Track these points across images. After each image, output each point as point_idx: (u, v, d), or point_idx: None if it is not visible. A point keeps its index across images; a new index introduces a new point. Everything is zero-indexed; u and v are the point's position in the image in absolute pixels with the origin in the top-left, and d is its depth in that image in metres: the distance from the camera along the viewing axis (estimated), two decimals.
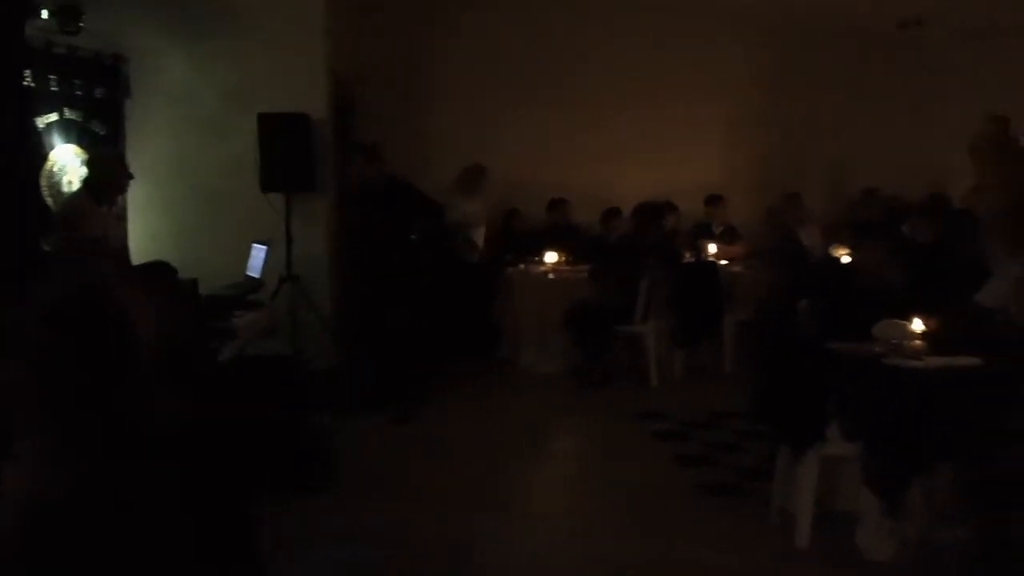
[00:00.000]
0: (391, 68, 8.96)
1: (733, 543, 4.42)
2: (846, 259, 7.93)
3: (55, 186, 6.26)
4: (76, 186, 6.15)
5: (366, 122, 8.55)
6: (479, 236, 8.24)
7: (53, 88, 6.33)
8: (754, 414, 4.97)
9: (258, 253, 6.18)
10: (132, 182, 6.92)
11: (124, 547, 2.44)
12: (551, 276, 8.11)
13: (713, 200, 9.21)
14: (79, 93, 6.59)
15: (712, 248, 8.64)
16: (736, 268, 8.39)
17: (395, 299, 6.73)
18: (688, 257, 8.54)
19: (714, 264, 8.37)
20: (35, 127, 6.14)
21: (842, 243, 8.44)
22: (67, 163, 6.37)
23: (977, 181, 6.12)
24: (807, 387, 4.24)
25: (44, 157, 6.21)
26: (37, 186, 6.10)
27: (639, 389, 7.43)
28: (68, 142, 6.42)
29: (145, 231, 7.05)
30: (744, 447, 5.85)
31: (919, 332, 4.19)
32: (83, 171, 6.04)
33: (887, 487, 3.96)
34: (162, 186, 7.10)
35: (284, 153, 6.83)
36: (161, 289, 2.70)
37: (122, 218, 5.80)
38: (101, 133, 6.81)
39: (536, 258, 8.33)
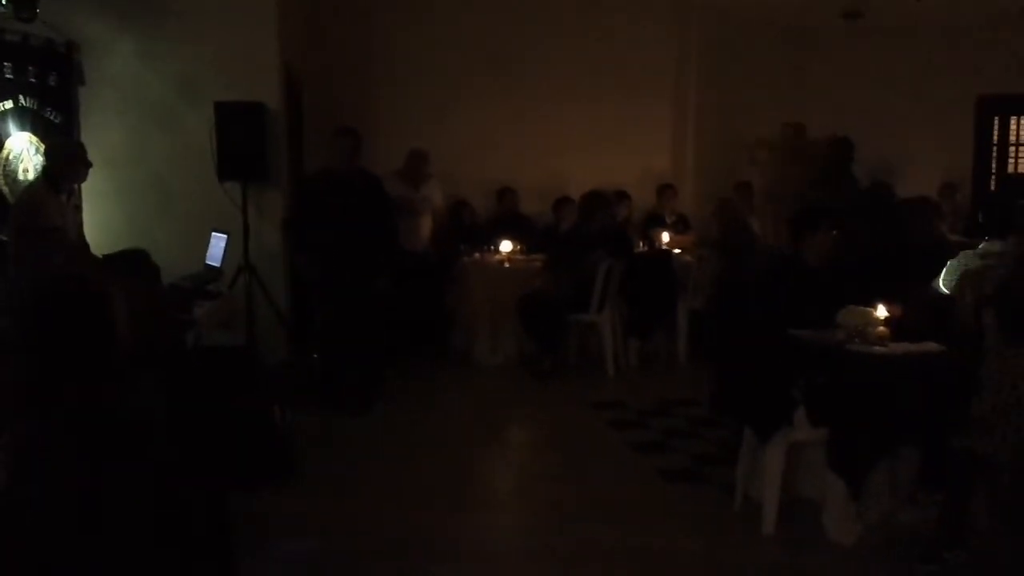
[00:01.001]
0: (338, 57, 8.92)
1: (698, 529, 4.48)
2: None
3: (11, 174, 6.15)
4: (32, 175, 6.03)
5: (313, 112, 8.52)
6: (424, 226, 8.16)
7: (8, 76, 6.23)
8: (715, 403, 5.05)
9: (217, 242, 6.11)
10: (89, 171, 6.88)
11: (100, 540, 2.44)
12: (506, 265, 8.13)
13: (664, 190, 9.31)
14: (33, 80, 6.48)
15: (665, 237, 8.72)
16: (688, 257, 8.49)
17: (350, 292, 6.69)
18: (641, 247, 8.62)
19: (668, 253, 8.46)
20: None
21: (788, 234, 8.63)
22: (23, 151, 6.25)
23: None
24: (771, 374, 4.33)
25: (0, 145, 6.09)
26: None
27: (594, 379, 7.49)
28: (23, 130, 6.31)
29: (100, 220, 6.95)
30: (699, 434, 5.94)
31: (882, 319, 4.31)
32: (39, 159, 5.92)
33: (852, 471, 4.07)
34: (116, 175, 6.98)
35: (241, 142, 6.75)
36: (134, 278, 2.67)
37: (79, 207, 5.69)
38: (56, 121, 6.70)
39: (490, 248, 8.35)
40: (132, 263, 3.06)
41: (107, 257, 3.78)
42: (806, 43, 9.90)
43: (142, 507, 2.48)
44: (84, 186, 6.88)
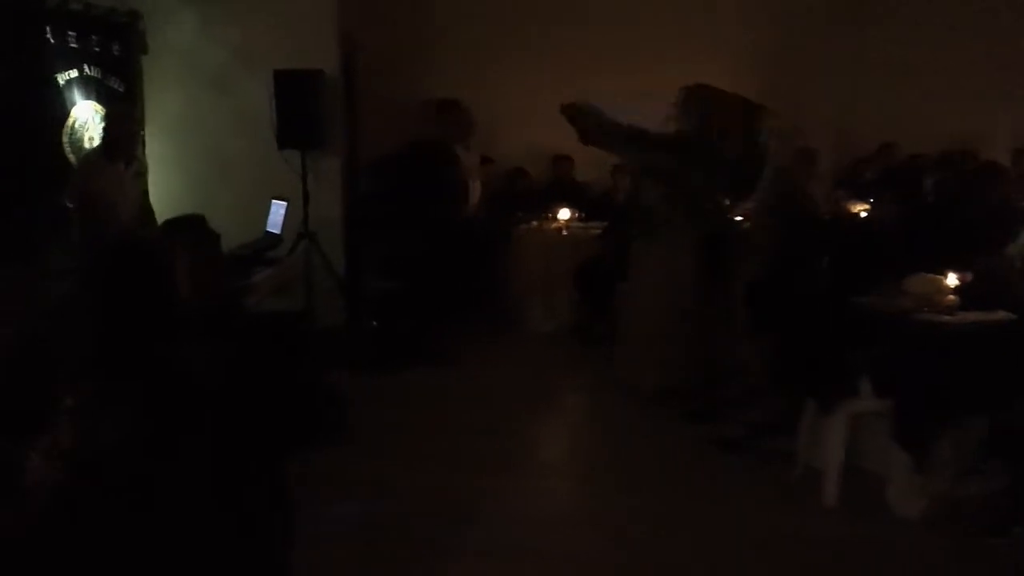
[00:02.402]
0: (396, 24, 8.87)
1: (755, 499, 4.44)
2: (862, 215, 7.96)
3: (76, 143, 6.23)
4: (96, 142, 6.12)
5: (369, 79, 8.51)
6: (475, 191, 8.04)
7: (72, 45, 6.30)
8: (773, 373, 4.97)
9: (277, 209, 6.16)
10: (150, 138, 6.98)
11: (164, 498, 2.47)
12: (564, 233, 8.09)
13: None
14: (97, 49, 6.56)
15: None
16: (745, 226, 8.34)
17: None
18: None
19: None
20: (56, 83, 6.12)
21: (855, 199, 8.46)
22: (88, 119, 6.34)
23: None
24: (836, 343, 4.26)
25: (65, 114, 6.19)
26: (59, 143, 6.09)
27: None
28: (88, 99, 6.39)
29: (162, 187, 7.08)
30: (754, 403, 5.81)
31: (951, 286, 4.20)
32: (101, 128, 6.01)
33: (917, 442, 3.99)
34: (178, 143, 7.10)
35: (299, 110, 6.78)
36: (194, 242, 2.69)
37: (141, 174, 5.77)
38: (119, 90, 6.78)
39: (546, 215, 8.29)
40: (190, 227, 3.08)
41: (166, 222, 3.82)
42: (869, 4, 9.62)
43: (201, 469, 2.50)
44: (148, 153, 7.03)
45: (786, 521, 4.22)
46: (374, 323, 7.12)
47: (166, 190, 7.02)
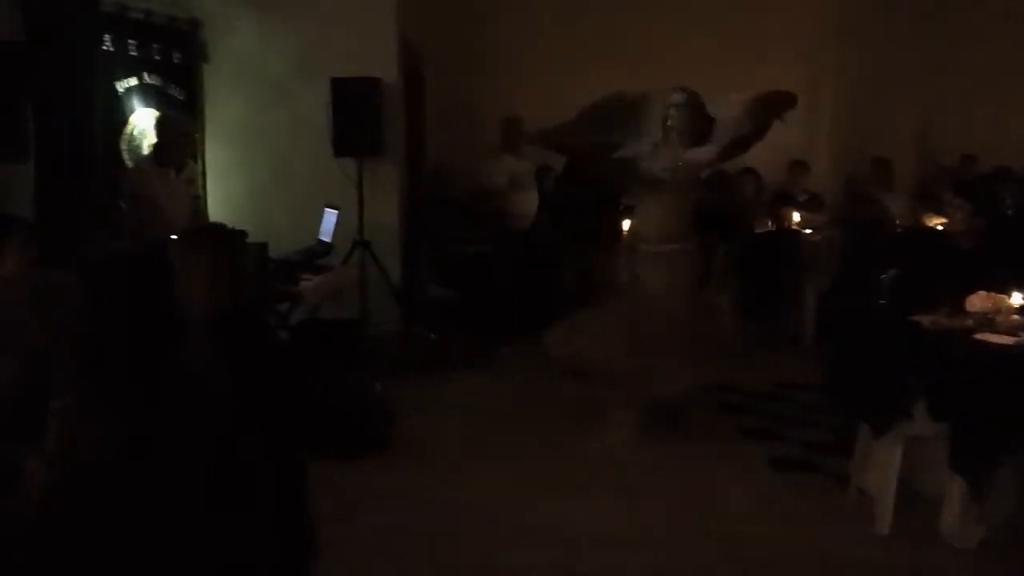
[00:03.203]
0: (460, 32, 8.85)
1: (806, 523, 4.24)
2: (939, 228, 7.64)
3: (135, 150, 6.31)
4: None
5: (435, 87, 8.51)
6: (530, 200, 7.92)
7: (132, 53, 6.38)
8: (830, 390, 4.76)
9: (329, 217, 6.15)
10: (210, 146, 7.05)
11: (155, 503, 2.42)
12: None
13: (795, 165, 8.91)
14: (158, 58, 6.64)
15: (795, 216, 8.34)
16: (818, 237, 8.10)
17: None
18: (769, 225, 8.29)
19: (796, 233, 8.10)
20: (115, 91, 6.20)
21: (933, 212, 8.14)
22: (146, 127, 6.40)
23: None
24: (892, 362, 4.04)
25: (124, 121, 6.27)
26: (118, 150, 6.18)
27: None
28: (147, 106, 6.45)
29: (223, 195, 7.15)
30: (814, 420, 5.65)
31: (1016, 306, 3.96)
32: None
33: (975, 470, 3.75)
34: (238, 150, 7.15)
35: (356, 118, 6.77)
36: (214, 251, 2.64)
37: (192, 181, 5.82)
38: (180, 98, 6.85)
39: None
40: (209, 236, 3.03)
41: (184, 231, 3.81)
42: (952, 5, 9.22)
43: (195, 474, 2.44)
44: (209, 161, 7.11)
45: (836, 547, 4.03)
46: (431, 334, 7.08)
47: (226, 197, 7.08)
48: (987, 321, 3.94)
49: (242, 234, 5.39)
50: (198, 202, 6.19)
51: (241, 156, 7.13)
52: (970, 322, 3.98)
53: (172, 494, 2.41)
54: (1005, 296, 4.01)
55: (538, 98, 8.50)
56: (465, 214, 7.65)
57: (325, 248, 6.10)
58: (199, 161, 6.99)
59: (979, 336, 3.90)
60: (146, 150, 6.34)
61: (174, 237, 2.96)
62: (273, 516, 2.73)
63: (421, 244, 7.70)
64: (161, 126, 5.69)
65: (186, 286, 2.54)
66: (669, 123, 5.51)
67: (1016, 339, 3.85)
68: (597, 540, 4.14)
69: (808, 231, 8.13)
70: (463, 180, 8.08)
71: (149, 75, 6.51)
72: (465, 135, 8.61)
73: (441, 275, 7.68)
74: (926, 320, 4.05)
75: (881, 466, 4.14)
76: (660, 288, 5.33)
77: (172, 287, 2.65)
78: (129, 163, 6.21)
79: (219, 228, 3.28)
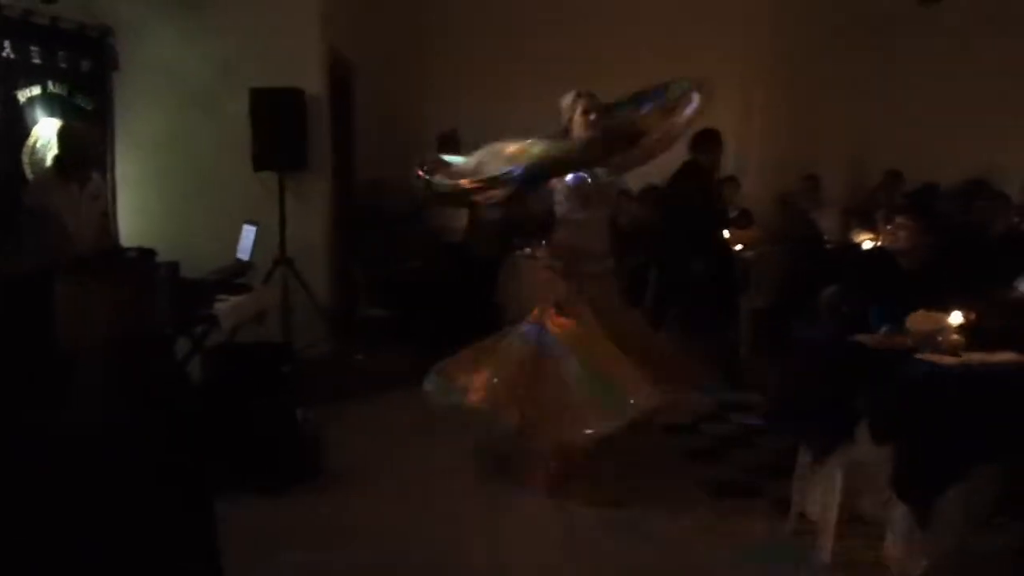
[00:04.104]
0: (392, 46, 8.65)
1: (746, 553, 4.08)
2: (867, 245, 7.62)
3: (38, 163, 5.96)
4: None
5: (365, 100, 8.27)
6: (460, 213, 7.71)
7: (35, 61, 6.05)
8: (772, 413, 4.62)
9: (248, 234, 5.85)
10: (121, 159, 6.71)
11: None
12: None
13: (726, 182, 8.84)
14: (63, 66, 6.31)
15: (725, 233, 8.26)
16: (750, 254, 8.03)
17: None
18: None
19: (728, 249, 8.01)
20: (16, 100, 5.86)
21: (864, 228, 8.14)
22: (50, 138, 6.04)
23: None
24: (832, 384, 3.91)
25: (26, 132, 5.93)
26: (18, 161, 5.83)
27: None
28: (52, 116, 6.12)
29: (137, 209, 6.81)
30: (755, 443, 5.53)
31: (957, 325, 3.85)
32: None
33: (920, 496, 3.62)
34: (152, 163, 6.84)
35: (277, 130, 6.52)
36: (118, 279, 2.38)
37: (97, 196, 5.50)
38: (88, 108, 6.52)
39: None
40: (114, 264, 2.75)
41: (75, 258, 3.52)
42: (883, 29, 9.27)
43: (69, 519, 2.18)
44: (120, 174, 6.78)
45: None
46: (361, 356, 6.83)
47: (138, 213, 6.75)
48: (929, 341, 3.82)
49: (151, 253, 5.12)
50: (105, 219, 5.85)
51: (156, 169, 6.81)
52: (911, 342, 3.86)
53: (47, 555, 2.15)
54: (945, 315, 3.89)
55: (474, 111, 8.34)
56: (394, 231, 7.42)
57: (243, 267, 5.80)
58: (108, 175, 6.65)
59: (921, 356, 3.78)
60: (49, 163, 6.01)
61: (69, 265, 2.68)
62: (175, 567, 2.47)
63: (353, 262, 7.45)
64: (63, 138, 5.37)
65: (73, 318, 2.27)
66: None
67: (958, 359, 3.74)
68: (540, 564, 3.99)
69: (739, 247, 8.07)
70: (395, 195, 7.85)
71: (54, 84, 6.18)
72: (398, 149, 8.38)
73: (374, 294, 7.43)
74: (867, 340, 3.92)
75: (823, 491, 4.00)
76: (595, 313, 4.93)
77: (53, 319, 2.38)
78: (31, 176, 5.88)
79: (117, 252, 2.98)
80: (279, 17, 6.76)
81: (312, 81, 6.82)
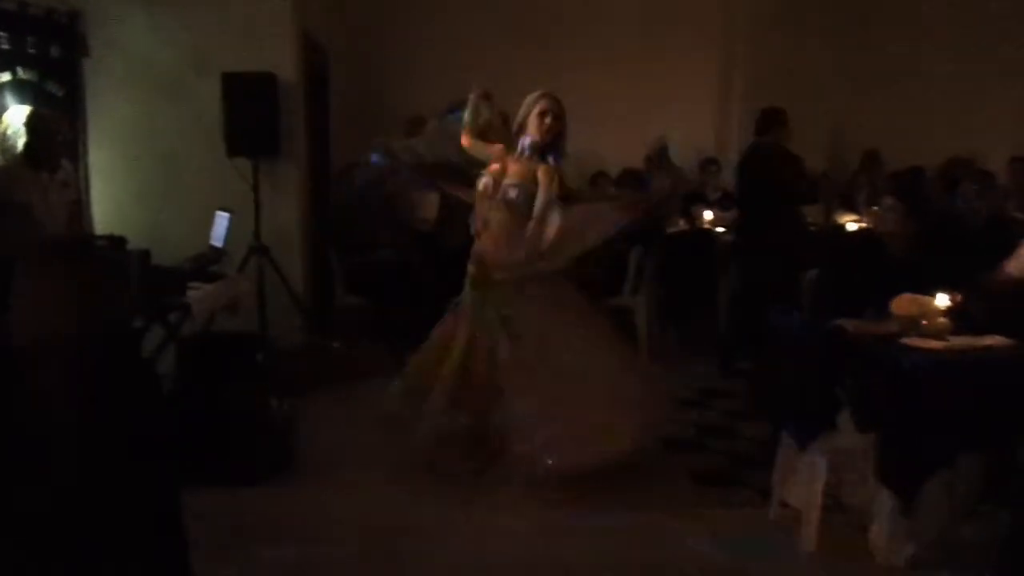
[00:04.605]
0: (365, 27, 8.53)
1: (728, 543, 4.01)
2: (852, 227, 7.58)
3: (9, 150, 5.76)
4: None
5: (341, 85, 8.16)
6: (430, 201, 7.65)
7: (4, 47, 5.89)
8: (753, 400, 4.56)
9: (221, 221, 5.75)
10: (93, 145, 6.57)
11: None
12: None
13: (707, 164, 8.80)
14: (33, 52, 6.13)
15: (707, 215, 8.21)
16: (731, 236, 7.97)
17: None
18: (681, 225, 8.15)
19: (708, 232, 7.97)
20: None
21: (846, 210, 8.09)
22: (21, 126, 5.92)
23: None
24: (815, 370, 3.85)
25: None
26: None
27: None
28: (23, 103, 5.94)
29: (109, 197, 6.66)
30: (737, 430, 5.48)
31: (942, 309, 3.80)
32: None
33: (904, 483, 3.57)
34: (124, 150, 6.69)
35: (250, 115, 6.39)
36: (77, 268, 2.27)
37: (67, 184, 5.38)
38: (58, 94, 6.36)
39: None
40: (70, 255, 2.63)
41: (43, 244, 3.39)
42: (860, 10, 9.18)
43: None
44: (92, 161, 6.64)
45: (759, 567, 3.85)
46: (336, 345, 6.73)
47: (110, 201, 6.60)
48: (914, 325, 3.77)
49: (121, 241, 5.02)
50: (76, 207, 5.72)
51: (127, 156, 6.66)
52: (896, 327, 3.80)
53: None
54: (931, 298, 3.84)
55: (444, 97, 8.22)
56: (367, 218, 7.30)
57: (217, 254, 5.69)
58: (81, 162, 6.51)
59: (905, 341, 3.72)
60: (20, 149, 5.87)
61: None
62: (140, 568, 2.38)
63: (329, 250, 7.34)
64: (31, 126, 5.24)
65: (30, 310, 2.17)
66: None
67: (944, 343, 3.69)
68: (498, 567, 3.88)
69: (721, 229, 8.01)
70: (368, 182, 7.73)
71: (24, 70, 6.02)
72: (370, 134, 8.25)
73: (350, 282, 7.33)
74: (850, 325, 3.86)
75: (806, 480, 3.95)
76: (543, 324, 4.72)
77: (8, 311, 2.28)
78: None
79: (82, 240, 2.86)
80: (251, 1, 6.62)
81: (285, 66, 6.68)
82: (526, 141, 4.75)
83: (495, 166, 4.84)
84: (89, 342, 2.25)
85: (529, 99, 4.81)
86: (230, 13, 6.60)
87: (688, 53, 8.98)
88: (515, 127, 4.83)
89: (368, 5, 8.66)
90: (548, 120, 4.71)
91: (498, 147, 4.86)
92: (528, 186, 4.73)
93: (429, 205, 7.31)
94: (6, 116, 5.82)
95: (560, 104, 4.79)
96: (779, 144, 6.83)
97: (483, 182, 4.84)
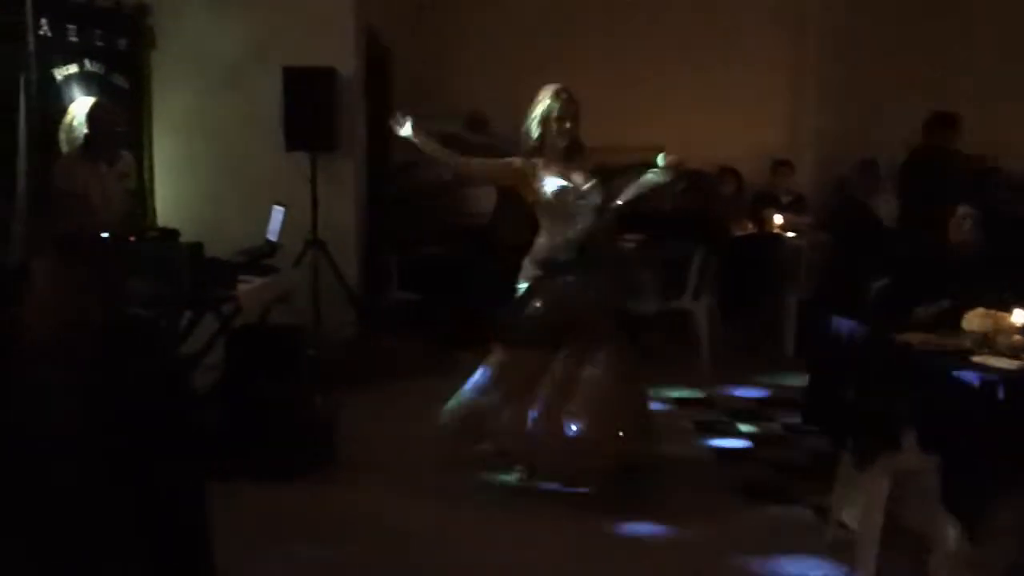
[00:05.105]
0: (430, 27, 8.48)
1: (778, 561, 3.85)
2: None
3: (74, 141, 5.87)
4: None
5: (404, 82, 8.12)
6: (486, 197, 7.52)
7: (72, 39, 5.96)
8: (810, 414, 4.35)
9: (276, 215, 5.73)
10: (157, 138, 6.63)
11: None
12: None
13: (779, 166, 8.54)
14: (100, 44, 6.22)
15: (778, 219, 7.97)
16: (802, 241, 7.73)
17: None
18: (750, 228, 7.94)
19: (776, 236, 7.73)
20: (53, 78, 5.77)
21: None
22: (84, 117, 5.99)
23: None
24: (878, 387, 3.65)
25: (63, 110, 5.82)
26: (55, 140, 5.75)
27: (687, 372, 6.79)
28: (89, 95, 6.00)
29: (171, 188, 6.74)
30: (794, 443, 5.28)
31: (1018, 326, 3.56)
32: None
33: (970, 509, 3.35)
34: (186, 143, 6.75)
35: (309, 110, 6.39)
36: (75, 260, 2.22)
37: (126, 174, 5.41)
38: (124, 86, 6.44)
39: None
40: (77, 250, 2.58)
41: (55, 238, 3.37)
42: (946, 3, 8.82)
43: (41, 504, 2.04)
44: (155, 154, 6.69)
45: None
46: (386, 340, 6.68)
47: (173, 192, 6.68)
48: (985, 342, 3.54)
49: (172, 233, 5.03)
50: (133, 197, 5.77)
51: (189, 149, 6.73)
52: (966, 343, 3.58)
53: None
54: (1006, 314, 3.61)
55: (510, 93, 8.10)
56: (420, 212, 7.26)
57: (272, 248, 5.67)
58: (146, 154, 6.57)
59: (976, 359, 3.50)
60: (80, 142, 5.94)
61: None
62: (157, 563, 2.32)
63: (384, 245, 7.30)
64: (92, 117, 5.28)
65: (34, 302, 2.12)
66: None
67: (1017, 362, 3.46)
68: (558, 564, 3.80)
69: (791, 234, 7.77)
70: (426, 178, 7.68)
71: (91, 62, 6.09)
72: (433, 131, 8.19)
73: (403, 277, 7.28)
74: (916, 339, 3.65)
75: (865, 500, 3.74)
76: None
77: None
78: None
79: (85, 236, 2.81)
80: None
81: (345, 60, 6.69)
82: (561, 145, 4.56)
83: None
84: (82, 337, 2.19)
85: (547, 98, 4.59)
86: (292, 7, 6.63)
87: (759, 48, 8.72)
88: (540, 127, 4.60)
89: (431, 1, 8.58)
90: (567, 125, 4.55)
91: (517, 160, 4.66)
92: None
93: (485, 199, 7.26)
94: (72, 107, 5.90)
95: (575, 103, 4.62)
96: (944, 147, 6.83)
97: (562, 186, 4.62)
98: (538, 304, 4.55)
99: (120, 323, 2.22)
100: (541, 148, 4.58)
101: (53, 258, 2.19)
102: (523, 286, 4.66)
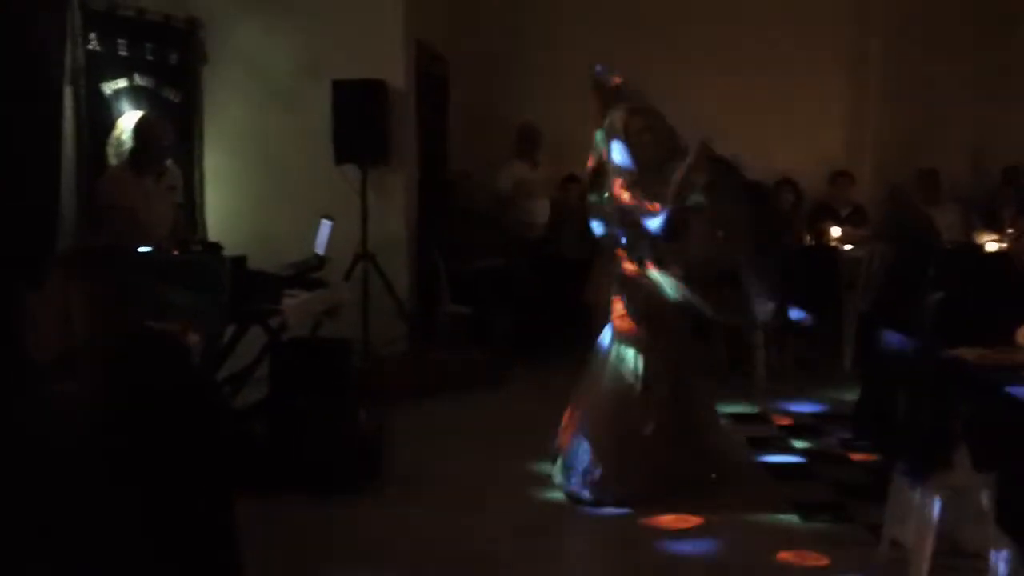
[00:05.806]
0: (487, 39, 8.44)
1: None
2: (991, 247, 7.08)
3: (122, 155, 5.96)
4: None
5: (460, 97, 8.13)
6: (541, 209, 7.53)
7: (122, 53, 6.06)
8: (860, 429, 4.21)
9: (324, 228, 5.73)
10: (208, 151, 6.70)
11: None
12: None
13: (838, 177, 8.35)
14: (150, 58, 6.32)
15: (836, 231, 7.80)
16: (860, 253, 7.54)
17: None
18: (808, 240, 7.78)
19: (835, 249, 7.56)
20: (101, 92, 5.87)
21: (988, 228, 7.57)
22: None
23: None
24: (930, 403, 3.52)
25: (111, 124, 5.93)
26: (103, 155, 5.85)
27: (742, 386, 6.66)
28: (139, 109, 6.11)
29: (221, 203, 6.81)
30: (848, 459, 5.10)
31: None
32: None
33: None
34: (237, 157, 6.83)
35: (359, 122, 6.40)
36: (88, 279, 2.20)
37: (173, 188, 5.48)
38: (175, 101, 6.53)
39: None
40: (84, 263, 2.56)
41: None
42: (1010, 10, 8.57)
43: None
44: (206, 168, 6.76)
45: None
46: (437, 354, 6.66)
47: (225, 205, 6.75)
48: None
49: (215, 247, 5.05)
50: (179, 210, 5.83)
51: (240, 162, 6.80)
52: (1021, 358, 3.44)
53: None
54: None
55: (560, 105, 8.06)
56: (475, 225, 7.25)
57: (320, 262, 5.68)
58: (196, 168, 6.65)
59: None
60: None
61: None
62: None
63: (437, 258, 7.30)
64: (138, 130, 5.35)
65: (42, 318, 2.11)
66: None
67: None
68: None
69: (849, 247, 7.60)
70: (481, 190, 7.70)
71: (141, 76, 6.18)
72: (488, 144, 8.18)
73: (455, 290, 7.27)
74: (971, 355, 3.51)
75: (918, 519, 3.61)
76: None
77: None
78: None
79: (97, 250, 2.79)
80: (362, 9, 6.68)
81: (396, 74, 6.71)
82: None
83: None
84: (93, 351, 2.18)
85: (620, 119, 4.61)
86: (343, 21, 6.66)
87: (817, 59, 8.55)
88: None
89: (489, 17, 8.56)
90: (648, 137, 4.58)
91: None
92: None
93: (540, 211, 7.23)
94: (120, 121, 5.99)
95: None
96: None
97: None
98: None
99: (139, 336, 2.20)
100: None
101: (59, 272, 2.18)
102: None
